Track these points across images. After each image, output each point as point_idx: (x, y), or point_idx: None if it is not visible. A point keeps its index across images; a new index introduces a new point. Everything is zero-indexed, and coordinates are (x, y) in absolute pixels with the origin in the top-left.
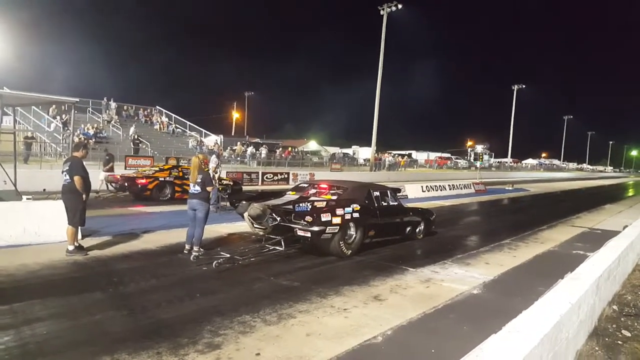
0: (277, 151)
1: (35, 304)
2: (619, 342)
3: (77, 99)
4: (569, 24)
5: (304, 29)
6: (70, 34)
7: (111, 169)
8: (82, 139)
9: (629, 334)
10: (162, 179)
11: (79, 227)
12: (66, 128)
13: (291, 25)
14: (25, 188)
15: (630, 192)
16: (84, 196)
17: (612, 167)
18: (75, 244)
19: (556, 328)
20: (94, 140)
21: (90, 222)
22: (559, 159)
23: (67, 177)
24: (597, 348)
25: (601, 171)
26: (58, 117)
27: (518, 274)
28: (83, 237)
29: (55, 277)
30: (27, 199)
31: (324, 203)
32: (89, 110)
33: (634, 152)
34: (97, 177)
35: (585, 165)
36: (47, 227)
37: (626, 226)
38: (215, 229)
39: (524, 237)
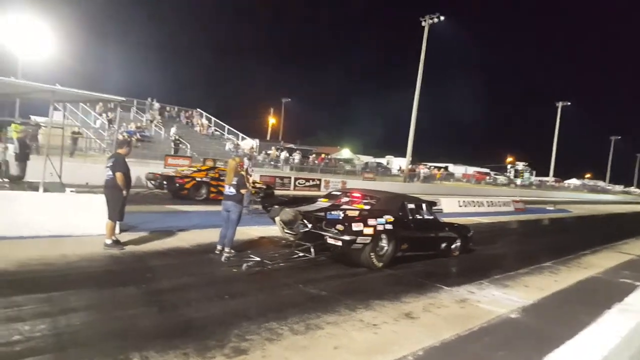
0: (310, 157)
1: (72, 294)
2: None
3: (123, 98)
4: (618, 41)
5: (343, 38)
6: (121, 38)
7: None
8: (126, 136)
9: None
10: (199, 179)
11: (118, 222)
12: (111, 125)
13: (330, 34)
14: (69, 181)
15: None
16: (124, 192)
17: None
18: (113, 238)
19: None
20: (137, 138)
21: (128, 218)
22: (604, 181)
23: (110, 172)
24: None
25: None
26: (104, 115)
27: (559, 300)
28: (121, 231)
29: (92, 269)
30: (71, 191)
31: (357, 212)
32: (133, 109)
33: None
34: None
35: (632, 189)
36: (88, 219)
37: None
38: (246, 231)
39: (566, 261)
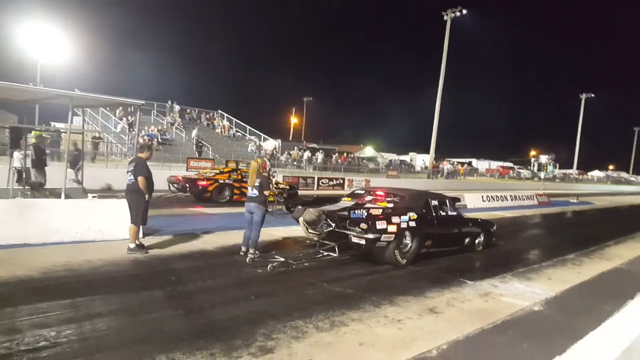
0: (333, 156)
1: (97, 299)
2: None
3: (143, 102)
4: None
5: (365, 34)
6: (141, 41)
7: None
8: (147, 140)
9: None
10: (222, 181)
11: (141, 226)
12: (132, 129)
13: (352, 31)
14: (91, 186)
15: None
16: (146, 196)
17: None
18: (137, 242)
19: (626, 354)
20: (157, 141)
21: (151, 222)
22: (628, 172)
23: (132, 177)
24: None
25: None
26: (124, 119)
27: (582, 292)
28: (144, 235)
29: (117, 273)
30: (93, 196)
31: (380, 210)
32: (153, 113)
33: None
34: (161, 178)
35: None
36: (111, 224)
37: None
38: (270, 232)
39: (589, 253)
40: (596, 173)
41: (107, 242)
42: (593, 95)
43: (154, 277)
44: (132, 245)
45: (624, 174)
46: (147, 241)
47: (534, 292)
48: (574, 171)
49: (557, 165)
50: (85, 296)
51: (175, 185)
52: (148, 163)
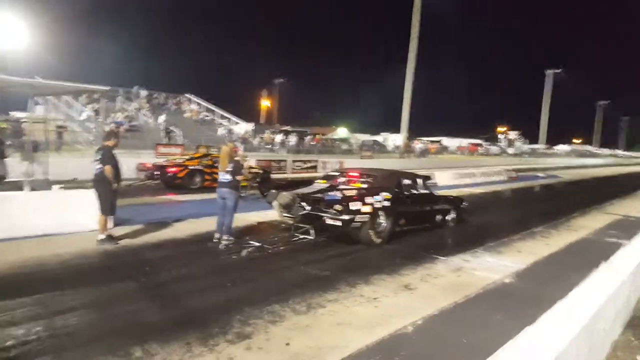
0: (306, 139)
1: (67, 294)
2: None
3: (107, 88)
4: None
5: (333, 15)
6: (100, 23)
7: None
8: (113, 127)
9: None
10: (193, 167)
11: (110, 216)
12: (97, 117)
13: (322, 12)
14: (56, 177)
15: None
16: (114, 185)
17: None
18: (106, 232)
19: (593, 320)
20: (124, 128)
21: (121, 211)
22: (593, 145)
23: (99, 166)
24: (632, 339)
25: (636, 157)
26: (89, 106)
27: (551, 263)
28: (114, 226)
29: (87, 266)
30: (59, 187)
31: (354, 191)
32: (119, 99)
33: None
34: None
35: (619, 151)
36: (79, 216)
37: None
38: (244, 218)
39: (556, 225)
40: (562, 147)
41: (76, 235)
42: (558, 70)
43: (126, 268)
44: (102, 237)
45: (589, 147)
46: (117, 231)
47: (504, 265)
48: (541, 146)
49: (528, 140)
50: (55, 291)
51: (145, 173)
52: (115, 151)
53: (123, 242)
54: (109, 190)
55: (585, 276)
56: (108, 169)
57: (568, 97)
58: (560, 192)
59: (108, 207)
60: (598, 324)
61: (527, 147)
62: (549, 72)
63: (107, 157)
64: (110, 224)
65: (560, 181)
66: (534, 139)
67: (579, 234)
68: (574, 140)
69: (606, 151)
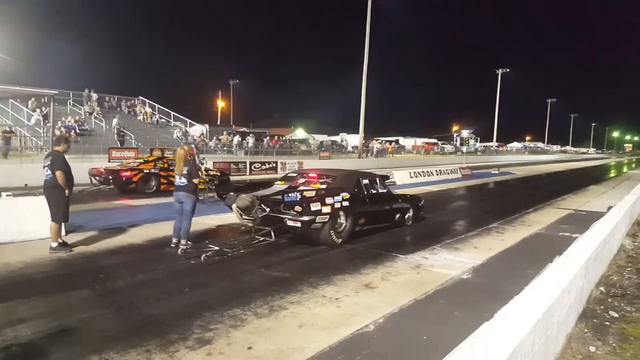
0: (265, 140)
1: (19, 304)
2: (607, 323)
3: (56, 91)
4: (552, 9)
5: (290, 16)
6: (50, 26)
7: None
8: (64, 132)
9: (616, 315)
10: (147, 171)
11: (63, 223)
12: (46, 121)
13: (277, 12)
14: (5, 184)
15: (613, 173)
16: (66, 191)
17: (594, 149)
18: (59, 240)
19: (548, 313)
20: (75, 132)
21: (74, 218)
22: (543, 142)
23: (49, 171)
24: (586, 330)
25: (584, 153)
26: (38, 110)
27: (507, 258)
28: (67, 233)
29: (39, 275)
30: (7, 195)
31: (314, 192)
32: (69, 102)
33: (615, 134)
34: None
35: (568, 148)
36: (29, 223)
37: (610, 207)
38: (202, 221)
39: (511, 221)
40: (515, 144)
41: (27, 243)
42: (508, 70)
43: (81, 276)
44: (54, 244)
45: (540, 144)
46: (71, 239)
47: (462, 261)
48: (494, 144)
49: (478, 138)
50: (6, 302)
51: (97, 178)
52: (66, 156)
53: (77, 250)
54: (61, 196)
55: (540, 270)
56: (59, 174)
57: (520, 96)
58: (514, 189)
59: (60, 214)
60: (553, 316)
61: (480, 145)
62: (500, 72)
63: (58, 162)
64: (62, 231)
65: (514, 177)
66: (488, 138)
67: (532, 229)
68: (527, 138)
69: (556, 148)
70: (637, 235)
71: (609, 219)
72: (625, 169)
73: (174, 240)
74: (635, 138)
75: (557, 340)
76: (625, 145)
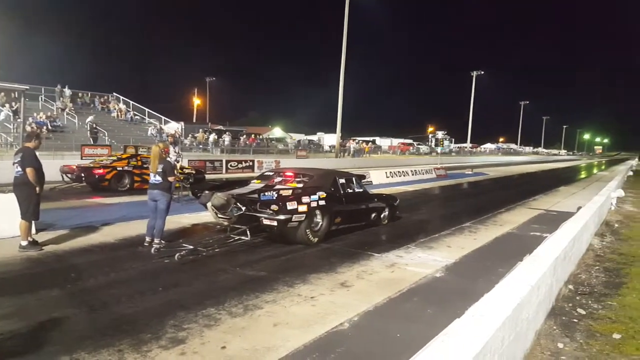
0: (241, 138)
1: None
2: (575, 320)
3: (27, 86)
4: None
5: (269, 14)
6: (22, 20)
7: None
8: (35, 128)
9: (583, 312)
10: (121, 168)
11: (33, 221)
12: (17, 117)
13: (256, 12)
14: None
15: (583, 174)
16: (37, 188)
17: (565, 151)
18: (29, 238)
19: (517, 310)
20: (47, 129)
21: (44, 216)
22: (516, 143)
23: (19, 168)
24: (555, 327)
25: (555, 154)
26: (7, 105)
27: (479, 256)
28: (37, 231)
29: (8, 274)
30: None
31: (290, 191)
32: (41, 98)
33: (586, 136)
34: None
35: (540, 149)
36: None
37: (580, 207)
38: (177, 220)
39: (483, 220)
40: (488, 145)
41: None
42: (483, 72)
43: (51, 275)
44: (24, 243)
45: (513, 145)
46: (41, 237)
47: (435, 260)
48: (468, 145)
49: (453, 139)
50: None
51: (69, 175)
52: (37, 153)
53: (48, 248)
54: (31, 194)
55: (511, 268)
56: (30, 171)
57: (494, 98)
58: (487, 189)
59: (30, 212)
60: (522, 313)
61: (454, 146)
62: (474, 74)
63: (29, 159)
64: (33, 229)
65: (487, 178)
66: (462, 139)
67: (504, 229)
68: (500, 139)
69: (528, 149)
70: (605, 235)
71: (578, 219)
72: (595, 171)
73: (148, 239)
74: (605, 140)
75: (526, 336)
76: (596, 147)
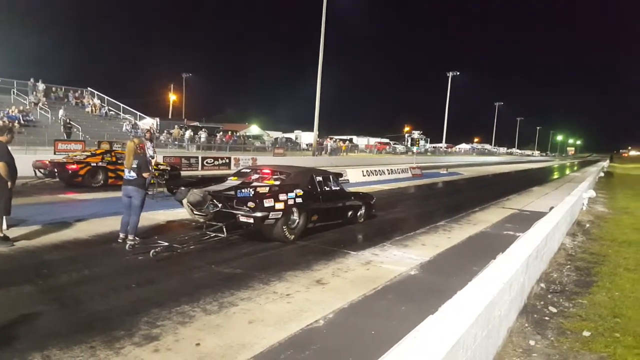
0: (218, 135)
1: None
2: (546, 317)
3: None
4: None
5: (247, 12)
6: None
7: None
8: (7, 122)
9: (555, 310)
10: (94, 164)
11: (4, 217)
12: None
13: (234, 8)
14: None
15: (556, 175)
16: (9, 183)
17: (539, 152)
18: (0, 234)
19: (489, 307)
20: (19, 123)
21: (16, 211)
22: (490, 144)
23: None
24: (526, 324)
25: (529, 155)
26: None
27: (453, 255)
28: (9, 227)
29: None
30: None
31: (267, 188)
32: (13, 92)
33: (559, 137)
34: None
35: (514, 150)
36: None
37: (552, 207)
38: (152, 217)
39: (458, 219)
40: (463, 146)
41: None
42: (458, 73)
43: (23, 271)
44: None
45: (487, 146)
46: (13, 233)
47: (410, 257)
48: (443, 145)
49: (428, 139)
50: None
51: (42, 171)
52: (9, 147)
53: (19, 244)
54: (3, 188)
55: (484, 266)
56: (1, 166)
57: (469, 98)
58: (462, 188)
59: (2, 207)
60: (494, 310)
61: (430, 145)
62: (450, 75)
63: (0, 153)
64: (4, 224)
65: (462, 178)
66: (438, 139)
67: (478, 228)
68: (475, 140)
69: (503, 150)
70: (576, 234)
71: (551, 218)
72: (567, 171)
73: (121, 235)
74: (578, 142)
75: (498, 333)
76: (568, 148)
